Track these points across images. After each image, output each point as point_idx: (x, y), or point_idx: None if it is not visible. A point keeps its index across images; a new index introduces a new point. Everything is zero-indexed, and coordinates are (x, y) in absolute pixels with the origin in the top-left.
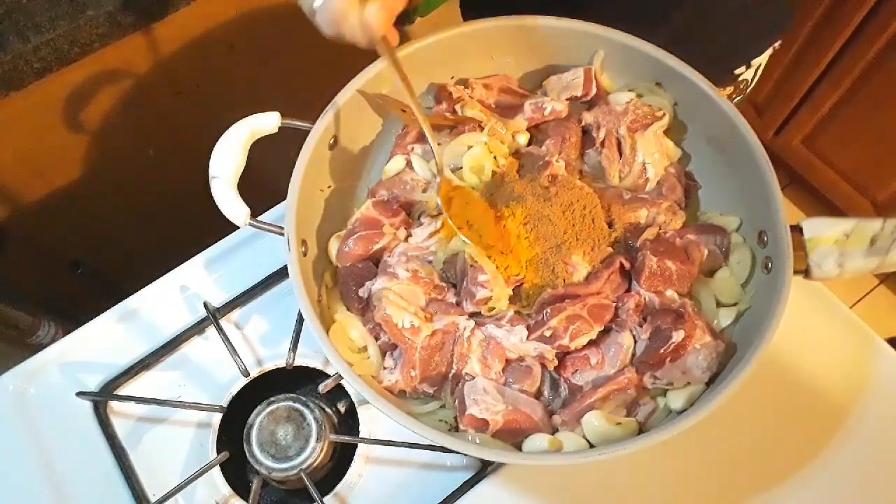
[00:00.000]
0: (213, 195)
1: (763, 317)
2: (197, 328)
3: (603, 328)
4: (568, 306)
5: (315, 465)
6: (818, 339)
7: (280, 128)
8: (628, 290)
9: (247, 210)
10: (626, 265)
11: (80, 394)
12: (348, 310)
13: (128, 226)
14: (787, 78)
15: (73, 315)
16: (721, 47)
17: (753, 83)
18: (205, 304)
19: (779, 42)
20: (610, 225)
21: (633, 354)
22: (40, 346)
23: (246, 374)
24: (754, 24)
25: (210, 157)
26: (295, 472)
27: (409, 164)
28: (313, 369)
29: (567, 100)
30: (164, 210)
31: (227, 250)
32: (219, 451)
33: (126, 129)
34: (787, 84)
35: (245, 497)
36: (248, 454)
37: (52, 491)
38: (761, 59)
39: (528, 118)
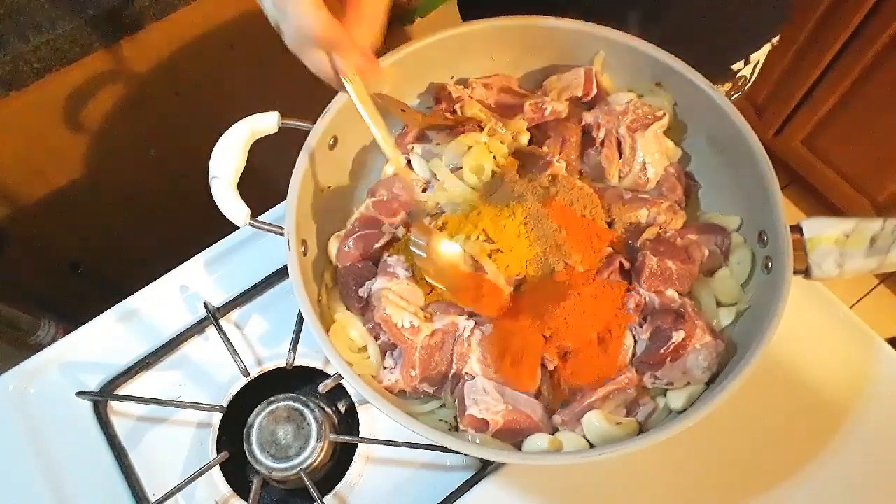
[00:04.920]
0: (213, 195)
1: (763, 317)
2: (197, 328)
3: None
4: None
5: (315, 465)
6: (818, 339)
7: (280, 128)
8: (628, 290)
9: (247, 210)
10: (626, 265)
11: (80, 394)
12: (348, 310)
13: (128, 226)
14: (787, 78)
15: (73, 315)
16: (718, 42)
17: (752, 80)
18: (205, 304)
19: (777, 38)
20: (610, 225)
21: (633, 354)
22: (40, 346)
23: (246, 374)
24: (751, 19)
25: (210, 157)
26: (295, 472)
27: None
28: (313, 369)
29: (567, 100)
30: (164, 210)
31: (227, 250)
32: (219, 451)
33: (126, 129)
34: (787, 84)
35: (245, 497)
36: (248, 454)
37: (52, 491)
38: (759, 56)
39: (528, 118)
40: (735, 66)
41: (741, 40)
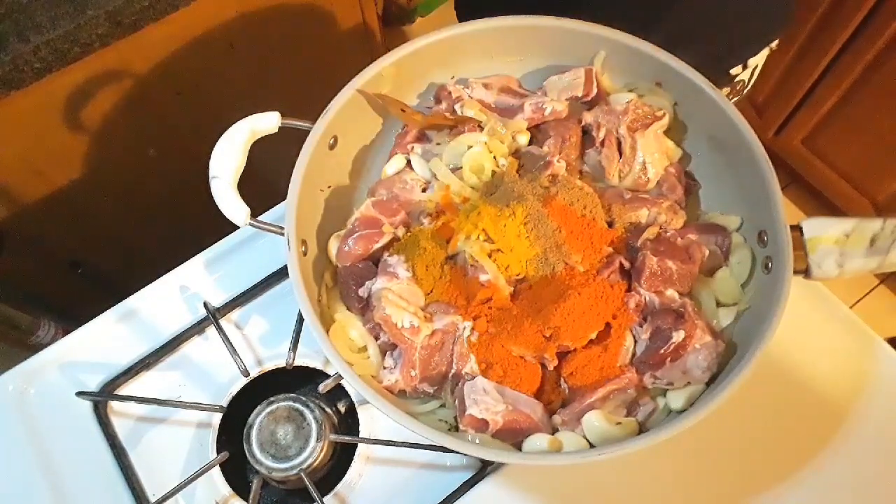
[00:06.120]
0: (213, 195)
1: (763, 317)
2: (197, 328)
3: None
4: None
5: (315, 465)
6: (818, 339)
7: (280, 128)
8: (628, 290)
9: (247, 210)
10: (626, 265)
11: (80, 394)
12: (348, 310)
13: (128, 226)
14: (787, 78)
15: (73, 315)
16: (717, 46)
17: (750, 84)
18: (205, 304)
19: (775, 42)
20: (610, 224)
21: (634, 354)
22: (40, 346)
23: (246, 374)
24: (750, 24)
25: (210, 157)
26: (295, 472)
27: (408, 163)
28: (313, 369)
29: (567, 100)
30: (164, 210)
31: (227, 250)
32: (219, 451)
33: (126, 129)
34: (787, 84)
35: (245, 497)
36: (248, 454)
37: (52, 491)
38: (758, 60)
39: (529, 118)
40: (733, 71)
41: (740, 45)
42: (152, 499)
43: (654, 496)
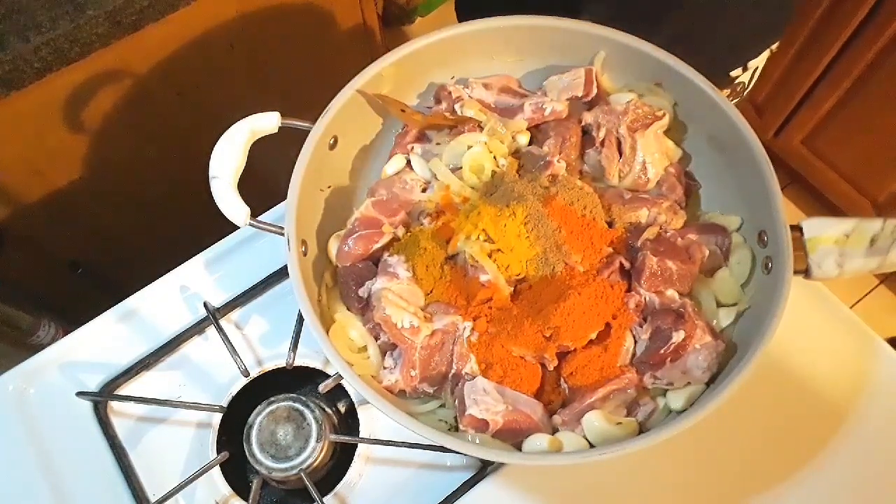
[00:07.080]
0: (213, 195)
1: (763, 317)
2: (197, 328)
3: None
4: None
5: (315, 465)
6: (818, 339)
7: (280, 128)
8: (628, 290)
9: (247, 210)
10: (627, 265)
11: (80, 394)
12: (348, 310)
13: (128, 226)
14: (787, 78)
15: (73, 315)
16: (717, 49)
17: (750, 86)
18: (205, 304)
19: (776, 44)
20: (610, 225)
21: (634, 354)
22: (40, 346)
23: (246, 374)
24: (750, 26)
25: (210, 157)
26: (295, 472)
27: (408, 163)
28: (313, 369)
29: (567, 100)
30: (164, 210)
31: (227, 250)
32: (219, 451)
33: (126, 129)
34: (787, 84)
35: (245, 497)
36: (248, 454)
37: (52, 491)
38: (758, 62)
39: (529, 118)
40: (734, 73)
41: (740, 47)
42: (152, 499)
43: (654, 496)
